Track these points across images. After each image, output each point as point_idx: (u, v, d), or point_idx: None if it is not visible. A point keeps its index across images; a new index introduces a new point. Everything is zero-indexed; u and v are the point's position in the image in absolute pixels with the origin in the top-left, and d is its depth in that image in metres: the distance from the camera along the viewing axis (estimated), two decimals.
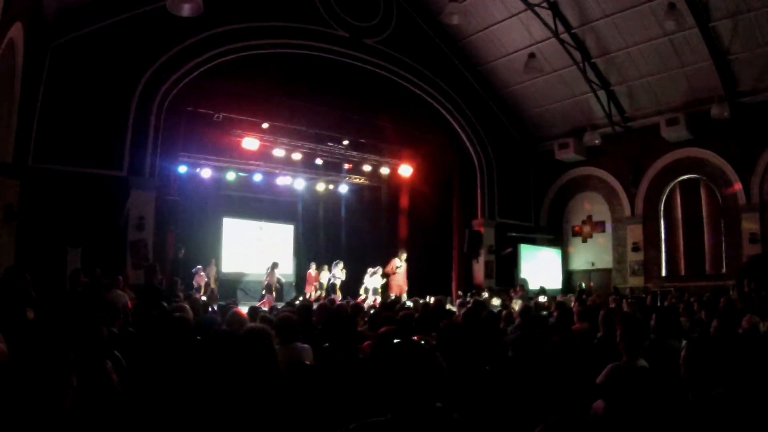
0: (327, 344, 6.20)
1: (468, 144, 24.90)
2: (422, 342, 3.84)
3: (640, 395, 5.64)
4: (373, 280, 23.09)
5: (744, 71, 21.46)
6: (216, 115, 19.35)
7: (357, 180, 25.71)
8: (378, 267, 23.21)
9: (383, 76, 22.28)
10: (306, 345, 6.36)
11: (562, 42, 22.23)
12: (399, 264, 18.45)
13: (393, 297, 17.31)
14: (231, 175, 23.68)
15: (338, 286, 23.75)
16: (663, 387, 5.52)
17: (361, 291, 23.07)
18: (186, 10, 13.95)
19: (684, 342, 6.79)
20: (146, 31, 16.90)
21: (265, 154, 22.49)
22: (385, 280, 23.14)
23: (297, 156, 22.79)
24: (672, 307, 11.41)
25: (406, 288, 19.14)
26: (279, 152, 22.21)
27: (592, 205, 26.57)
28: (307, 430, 4.11)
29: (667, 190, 24.68)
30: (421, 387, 2.86)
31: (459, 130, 24.66)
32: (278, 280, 23.51)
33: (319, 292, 23.71)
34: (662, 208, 24.76)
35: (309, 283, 24.20)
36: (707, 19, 20.15)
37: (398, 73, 22.57)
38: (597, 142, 24.56)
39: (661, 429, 3.80)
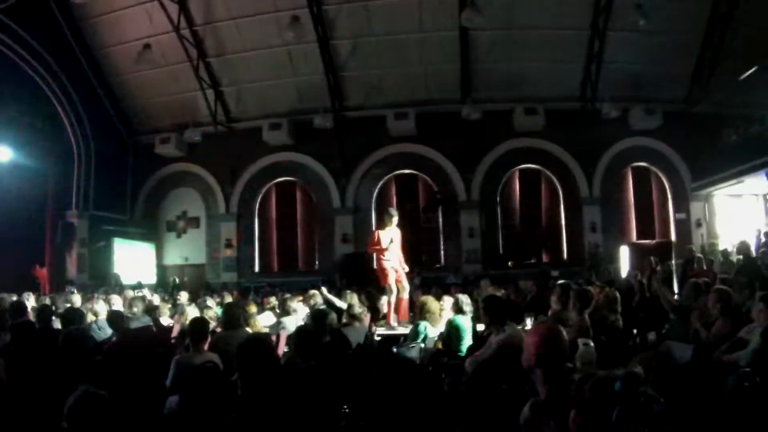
0: None
1: (69, 130, 23.56)
2: None
3: (202, 387, 5.87)
4: None
5: (354, 88, 23.56)
6: None
7: None
8: None
9: None
10: None
11: (181, 38, 22.23)
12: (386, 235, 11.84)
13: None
14: None
15: None
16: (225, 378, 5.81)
17: None
18: None
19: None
20: None
21: None
22: None
23: None
24: (240, 302, 11.80)
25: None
26: None
27: (188, 201, 26.66)
28: None
29: (263, 191, 25.68)
30: None
31: (62, 114, 23.19)
32: None
33: None
34: (257, 207, 25.70)
35: None
36: (328, 36, 21.76)
37: (11, 46, 20.87)
38: (197, 139, 24.59)
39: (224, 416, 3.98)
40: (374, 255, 11.69)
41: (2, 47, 20.74)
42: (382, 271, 11.63)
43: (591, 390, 2.88)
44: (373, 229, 12.47)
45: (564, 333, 3.76)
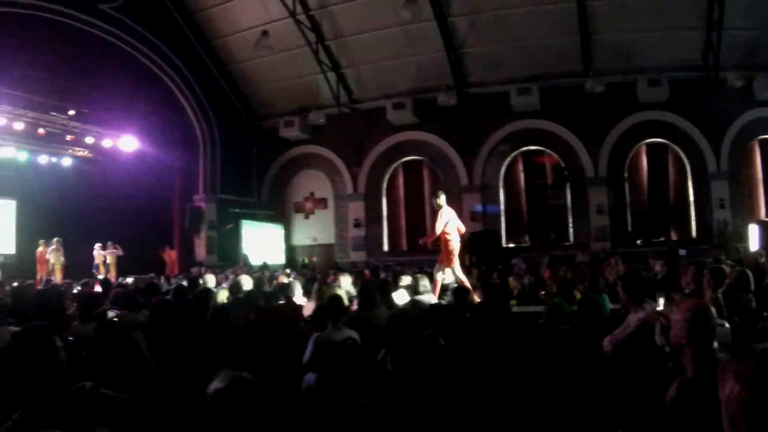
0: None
1: (193, 118, 24.47)
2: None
3: (342, 363, 5.78)
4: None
5: (474, 65, 23.25)
6: None
7: (80, 153, 24.04)
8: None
9: (114, 44, 21.32)
10: (17, 328, 5.97)
11: (298, 23, 22.44)
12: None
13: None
14: None
15: (58, 266, 22.04)
16: (366, 355, 5.71)
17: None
18: None
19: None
20: None
21: None
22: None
23: (19, 125, 20.01)
24: (376, 281, 11.66)
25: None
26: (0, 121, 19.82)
27: (315, 182, 27.02)
28: None
29: (391, 170, 25.75)
30: None
31: (185, 103, 24.14)
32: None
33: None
34: (385, 186, 25.80)
35: (40, 263, 22.04)
36: (446, 14, 21.47)
37: (130, 42, 21.77)
38: (322, 121, 24.91)
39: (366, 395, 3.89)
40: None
41: (120, 42, 21.56)
42: (449, 252, 12.61)
43: (758, 363, 2.64)
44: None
45: (713, 311, 3.60)
